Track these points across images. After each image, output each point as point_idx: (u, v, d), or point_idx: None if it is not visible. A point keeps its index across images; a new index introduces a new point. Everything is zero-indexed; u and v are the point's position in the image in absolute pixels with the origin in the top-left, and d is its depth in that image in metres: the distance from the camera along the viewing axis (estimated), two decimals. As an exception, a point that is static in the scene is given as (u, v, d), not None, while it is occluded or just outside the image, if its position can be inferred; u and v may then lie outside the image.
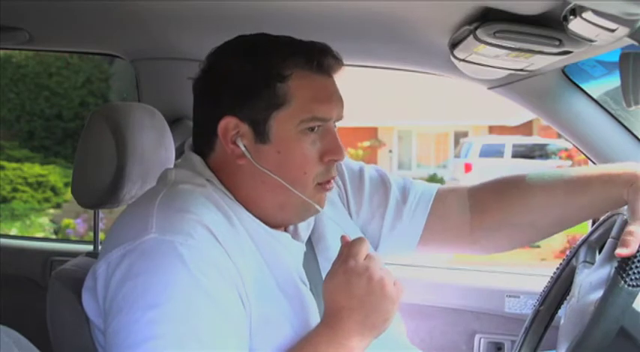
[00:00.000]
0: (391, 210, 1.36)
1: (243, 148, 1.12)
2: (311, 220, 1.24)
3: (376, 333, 1.07)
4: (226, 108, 1.12)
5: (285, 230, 1.21)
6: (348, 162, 1.40)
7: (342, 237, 1.11)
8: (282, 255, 1.14)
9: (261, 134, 1.12)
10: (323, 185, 1.16)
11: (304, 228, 1.23)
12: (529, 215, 1.33)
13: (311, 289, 1.16)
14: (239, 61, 1.13)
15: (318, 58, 1.13)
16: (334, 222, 1.25)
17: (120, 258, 1.03)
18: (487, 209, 1.36)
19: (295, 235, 1.21)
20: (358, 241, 1.09)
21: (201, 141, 1.18)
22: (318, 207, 1.16)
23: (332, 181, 1.18)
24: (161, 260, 1.01)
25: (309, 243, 1.24)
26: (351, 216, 1.36)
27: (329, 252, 1.22)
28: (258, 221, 1.14)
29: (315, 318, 1.12)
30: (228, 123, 1.12)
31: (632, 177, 1.20)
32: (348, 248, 1.08)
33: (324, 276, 1.13)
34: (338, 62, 1.16)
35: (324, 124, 1.14)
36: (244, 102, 1.12)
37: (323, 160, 1.14)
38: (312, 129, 1.12)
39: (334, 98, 1.16)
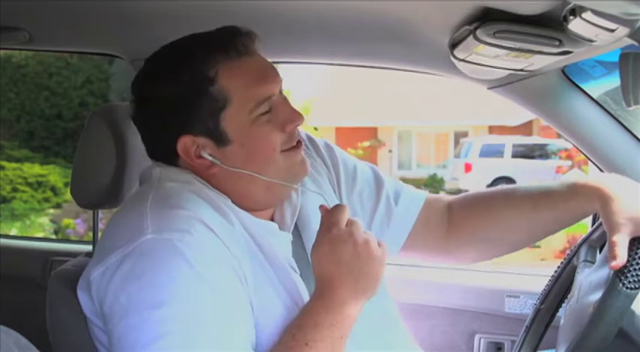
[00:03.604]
0: (382, 210, 1.37)
1: (210, 158, 1.12)
2: (296, 206, 1.24)
3: (369, 295, 1.08)
4: (175, 130, 1.12)
5: (272, 219, 1.21)
6: (344, 155, 1.40)
7: (321, 207, 1.12)
8: (273, 245, 1.14)
9: (219, 139, 1.12)
10: (290, 149, 1.16)
11: (289, 215, 1.23)
12: (498, 231, 1.36)
13: (301, 275, 1.16)
14: (162, 83, 1.13)
15: (232, 44, 1.12)
16: (324, 200, 1.24)
17: (119, 261, 1.03)
18: (459, 224, 1.39)
19: (282, 224, 1.21)
20: (338, 208, 1.10)
21: (165, 161, 1.17)
22: (300, 164, 1.17)
23: (300, 143, 1.18)
24: (162, 259, 1.01)
25: (296, 230, 1.24)
26: (341, 201, 1.35)
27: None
28: (246, 213, 1.14)
29: (307, 301, 1.12)
30: (186, 143, 1.12)
31: (595, 191, 1.22)
32: (329, 216, 1.09)
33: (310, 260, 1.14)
34: (251, 38, 1.15)
35: (271, 100, 1.14)
36: (190, 119, 1.12)
37: (285, 130, 1.15)
38: (263, 113, 1.13)
39: (267, 73, 1.15)
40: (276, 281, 1.11)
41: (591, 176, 1.28)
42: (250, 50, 1.15)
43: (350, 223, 1.08)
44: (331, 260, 1.06)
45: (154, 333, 0.97)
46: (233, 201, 1.14)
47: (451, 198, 1.44)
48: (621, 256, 1.06)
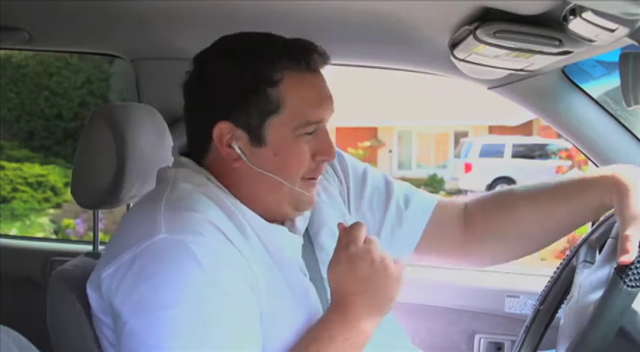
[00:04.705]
0: (391, 215, 1.37)
1: (239, 151, 1.12)
2: (307, 213, 1.25)
3: (384, 312, 1.09)
4: (219, 113, 1.12)
5: (282, 224, 1.21)
6: (354, 162, 1.40)
7: (339, 225, 1.13)
8: (283, 248, 1.15)
9: (256, 138, 1.12)
10: (309, 179, 1.17)
11: (301, 220, 1.23)
12: (517, 227, 1.35)
13: (310, 278, 1.17)
14: (227, 66, 1.13)
15: (306, 57, 1.12)
16: (335, 209, 1.25)
17: (130, 260, 1.03)
18: (474, 222, 1.39)
19: (292, 228, 1.21)
20: (356, 226, 1.10)
21: (196, 143, 1.18)
22: (311, 196, 1.17)
23: (318, 177, 1.19)
24: (174, 260, 1.01)
25: (307, 234, 1.24)
26: (350, 213, 1.36)
27: (328, 242, 1.23)
28: (257, 216, 1.14)
29: (316, 307, 1.14)
30: (223, 129, 1.12)
31: (611, 181, 1.21)
32: (347, 234, 1.10)
33: (321, 266, 1.16)
34: (324, 58, 1.15)
35: (318, 125, 1.14)
36: (237, 109, 1.11)
37: (315, 159, 1.15)
38: (308, 132, 1.13)
39: (325, 98, 1.16)
40: (286, 285, 1.11)
41: (604, 167, 1.26)
42: (318, 70, 1.15)
43: (368, 241, 1.09)
44: (348, 277, 1.07)
45: (164, 334, 0.98)
46: (245, 204, 1.14)
47: (467, 199, 1.43)
48: (632, 252, 1.05)
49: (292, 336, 1.08)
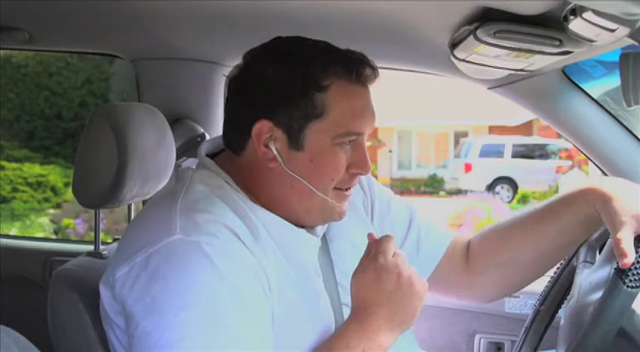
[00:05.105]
0: (412, 240, 1.38)
1: (275, 152, 1.12)
2: None
3: (404, 328, 1.09)
4: (262, 111, 1.12)
5: (302, 226, 1.21)
6: (381, 188, 1.41)
7: (369, 235, 1.13)
8: (299, 250, 1.15)
9: (295, 141, 1.12)
10: (342, 190, 1.17)
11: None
12: (509, 252, 1.37)
13: (324, 280, 1.17)
14: (277, 65, 1.13)
15: (357, 68, 1.13)
16: (356, 217, 1.26)
17: (145, 259, 1.03)
18: (475, 255, 1.40)
19: (311, 230, 1.21)
20: (386, 238, 1.10)
21: (233, 139, 1.18)
22: (342, 208, 1.17)
23: (351, 188, 1.19)
24: (188, 260, 1.01)
25: (323, 237, 1.24)
26: (372, 224, 1.36)
27: (345, 248, 1.24)
28: (275, 216, 1.14)
29: (327, 310, 1.14)
30: (263, 127, 1.12)
31: (593, 192, 1.23)
32: (377, 245, 1.09)
33: (335, 270, 1.17)
34: (375, 72, 1.16)
35: (357, 138, 1.15)
36: (281, 109, 1.12)
37: (349, 171, 1.15)
38: (347, 142, 1.13)
39: (369, 112, 1.16)
40: (299, 287, 1.11)
41: (589, 180, 1.28)
42: (367, 83, 1.16)
43: (396, 255, 1.09)
44: (373, 288, 1.07)
45: (177, 335, 0.98)
46: (270, 208, 1.14)
47: (471, 235, 1.45)
48: (630, 253, 1.06)
49: (303, 337, 1.08)
